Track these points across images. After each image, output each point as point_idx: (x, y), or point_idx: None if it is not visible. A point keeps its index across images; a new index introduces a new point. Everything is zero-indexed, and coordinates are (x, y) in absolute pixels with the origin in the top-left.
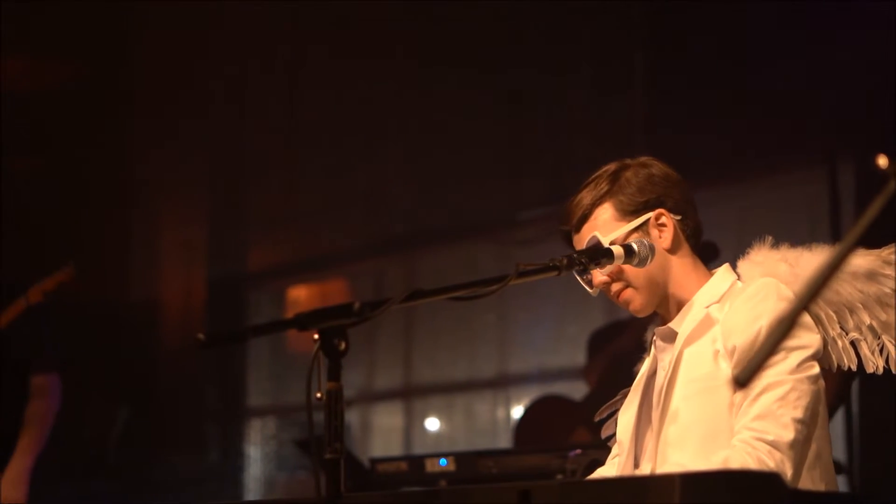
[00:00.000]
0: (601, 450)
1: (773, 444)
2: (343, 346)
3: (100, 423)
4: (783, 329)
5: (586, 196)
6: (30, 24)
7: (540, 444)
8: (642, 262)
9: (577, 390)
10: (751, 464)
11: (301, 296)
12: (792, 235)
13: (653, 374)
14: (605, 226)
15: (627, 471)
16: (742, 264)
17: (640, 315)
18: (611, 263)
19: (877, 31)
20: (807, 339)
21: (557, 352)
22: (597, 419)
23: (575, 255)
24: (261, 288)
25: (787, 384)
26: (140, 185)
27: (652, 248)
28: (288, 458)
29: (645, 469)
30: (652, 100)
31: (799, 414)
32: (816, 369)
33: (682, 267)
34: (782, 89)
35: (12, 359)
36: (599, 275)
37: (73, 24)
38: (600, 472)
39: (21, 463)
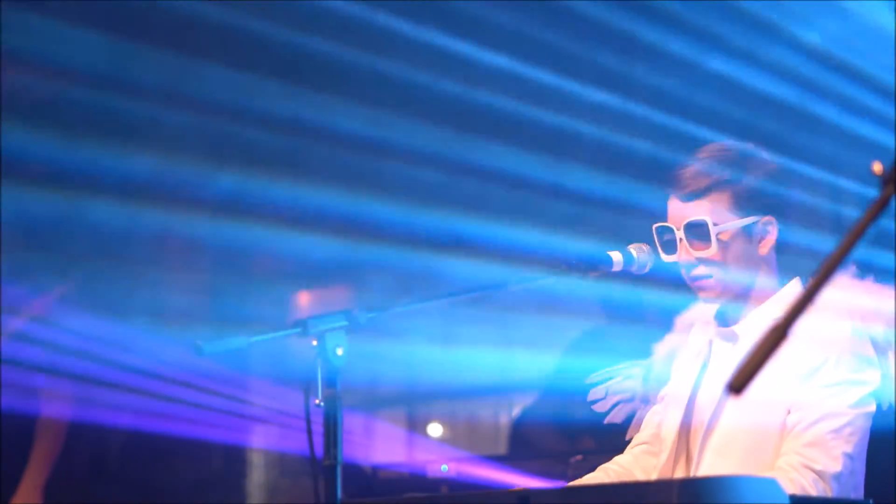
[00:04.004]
0: (602, 456)
1: (820, 475)
2: (341, 351)
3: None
4: (777, 337)
5: (707, 174)
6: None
7: (541, 450)
8: (640, 269)
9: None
10: (794, 490)
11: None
12: None
13: (700, 371)
14: (717, 213)
15: (668, 470)
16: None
17: (705, 301)
18: (610, 270)
19: None
20: (869, 375)
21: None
22: (590, 398)
23: (574, 261)
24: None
25: (844, 417)
26: None
27: (651, 256)
28: (291, 464)
29: (680, 471)
30: None
31: (849, 449)
32: (873, 407)
33: (764, 275)
34: None
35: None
36: (691, 252)
37: None
38: (619, 461)
39: (35, 477)
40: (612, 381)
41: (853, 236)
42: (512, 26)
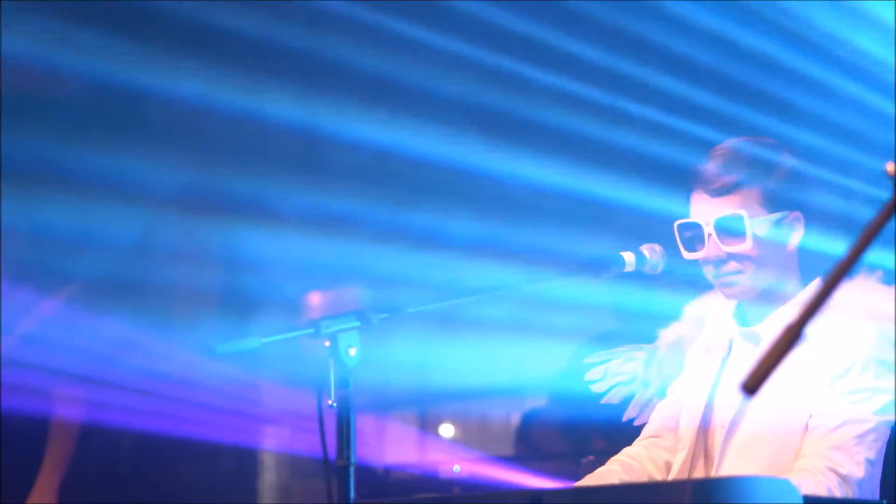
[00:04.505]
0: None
1: (844, 479)
2: (354, 352)
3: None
4: (791, 337)
5: (737, 169)
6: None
7: (552, 451)
8: (653, 269)
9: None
10: (821, 492)
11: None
12: None
13: (719, 369)
14: (749, 208)
15: (686, 470)
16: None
17: (730, 298)
18: (622, 270)
19: None
20: (892, 382)
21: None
22: (588, 378)
23: (586, 262)
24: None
25: (868, 424)
26: None
27: (664, 257)
28: (303, 464)
29: (699, 471)
30: None
31: (872, 455)
32: (893, 415)
33: (790, 273)
34: None
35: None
36: (722, 248)
37: None
38: (629, 453)
39: (49, 479)
40: (613, 363)
41: (866, 237)
42: (524, 29)
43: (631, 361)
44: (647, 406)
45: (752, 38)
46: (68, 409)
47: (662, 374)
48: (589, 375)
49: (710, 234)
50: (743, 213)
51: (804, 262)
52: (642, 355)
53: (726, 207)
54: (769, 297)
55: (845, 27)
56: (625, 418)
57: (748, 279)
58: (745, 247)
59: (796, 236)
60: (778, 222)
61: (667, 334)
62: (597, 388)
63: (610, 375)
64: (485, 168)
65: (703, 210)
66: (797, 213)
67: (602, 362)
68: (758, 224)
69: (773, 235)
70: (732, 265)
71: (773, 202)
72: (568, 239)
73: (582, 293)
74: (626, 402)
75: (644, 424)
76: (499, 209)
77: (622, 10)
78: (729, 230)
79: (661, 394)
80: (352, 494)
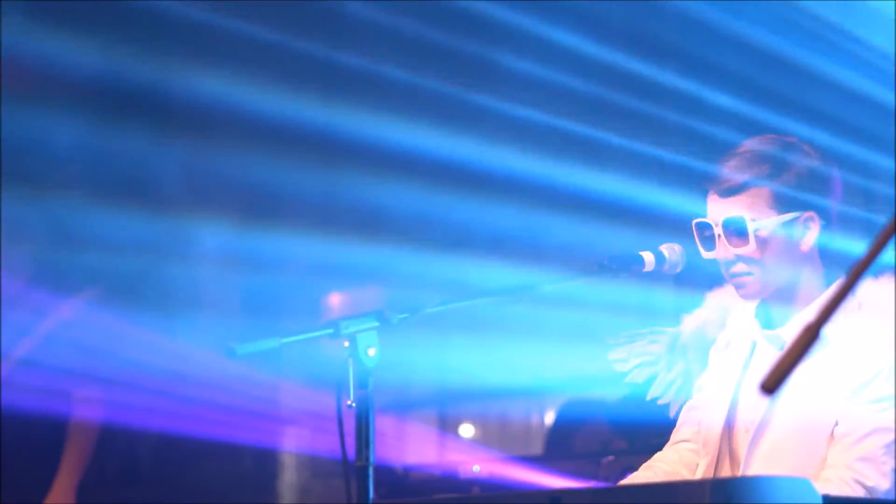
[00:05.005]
0: (634, 456)
1: (870, 491)
2: (373, 352)
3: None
4: (809, 337)
5: (745, 169)
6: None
7: (573, 451)
8: (672, 269)
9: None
10: None
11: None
12: None
13: (742, 371)
14: (756, 209)
15: (711, 471)
16: (864, 285)
17: (745, 298)
18: (641, 270)
19: None
20: None
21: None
22: (611, 357)
23: (606, 261)
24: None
25: (894, 433)
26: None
27: (683, 257)
28: (323, 464)
29: (725, 474)
30: None
31: None
32: None
33: (808, 273)
34: None
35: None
36: (730, 249)
37: None
38: (663, 458)
39: (67, 479)
40: (637, 343)
41: (884, 237)
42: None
43: (655, 343)
44: (671, 389)
45: (771, 37)
46: (87, 409)
47: (686, 357)
48: (612, 355)
49: (719, 235)
50: (745, 214)
51: (828, 262)
52: (666, 338)
53: (733, 208)
54: (787, 298)
55: (859, 24)
56: (648, 397)
57: (757, 280)
58: (748, 249)
59: (811, 236)
60: (789, 223)
61: (690, 319)
62: (620, 368)
63: (633, 355)
64: (509, 169)
65: (715, 210)
66: (811, 214)
67: (626, 343)
68: (765, 225)
69: (782, 236)
70: (741, 266)
71: (784, 202)
72: (591, 238)
73: (602, 293)
74: (649, 382)
75: (666, 413)
76: (518, 209)
77: (639, 11)
78: (734, 231)
79: (686, 377)
80: (371, 495)
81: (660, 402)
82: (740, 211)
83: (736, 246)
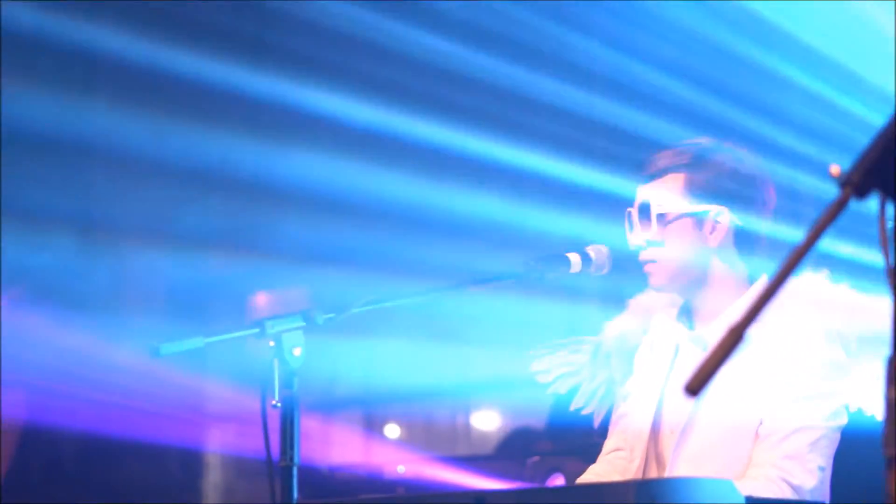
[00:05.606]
0: (560, 457)
1: (796, 490)
2: (299, 352)
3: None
4: (734, 339)
5: (669, 157)
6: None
7: (499, 452)
8: (598, 270)
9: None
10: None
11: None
12: None
13: (668, 373)
14: (668, 195)
15: (639, 475)
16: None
17: (655, 289)
18: (568, 271)
19: None
20: (842, 385)
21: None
22: (533, 369)
23: (531, 262)
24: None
25: (819, 430)
26: None
27: (610, 258)
28: (248, 464)
29: (652, 475)
30: None
31: (823, 462)
32: (845, 419)
33: (723, 271)
34: None
35: None
36: (640, 236)
37: None
38: (595, 471)
39: None
40: (558, 354)
41: (811, 238)
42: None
43: (576, 353)
44: (594, 398)
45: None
46: (9, 409)
47: (609, 365)
48: (534, 366)
49: (634, 221)
50: (650, 200)
51: (752, 262)
52: (588, 347)
53: (647, 193)
54: (701, 293)
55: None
56: (571, 408)
57: (662, 268)
58: (651, 232)
59: (721, 231)
60: (698, 215)
61: (612, 326)
62: (542, 379)
63: (556, 366)
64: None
65: (638, 196)
66: (722, 208)
67: (548, 353)
68: (670, 210)
69: (688, 225)
70: (649, 252)
71: (697, 193)
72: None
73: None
74: (571, 393)
75: (589, 414)
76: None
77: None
78: (643, 214)
79: (609, 385)
80: (295, 495)
81: (584, 412)
82: (654, 196)
83: (645, 230)
